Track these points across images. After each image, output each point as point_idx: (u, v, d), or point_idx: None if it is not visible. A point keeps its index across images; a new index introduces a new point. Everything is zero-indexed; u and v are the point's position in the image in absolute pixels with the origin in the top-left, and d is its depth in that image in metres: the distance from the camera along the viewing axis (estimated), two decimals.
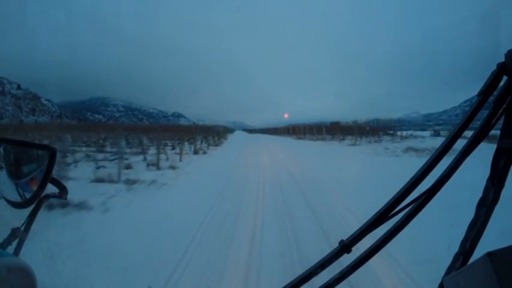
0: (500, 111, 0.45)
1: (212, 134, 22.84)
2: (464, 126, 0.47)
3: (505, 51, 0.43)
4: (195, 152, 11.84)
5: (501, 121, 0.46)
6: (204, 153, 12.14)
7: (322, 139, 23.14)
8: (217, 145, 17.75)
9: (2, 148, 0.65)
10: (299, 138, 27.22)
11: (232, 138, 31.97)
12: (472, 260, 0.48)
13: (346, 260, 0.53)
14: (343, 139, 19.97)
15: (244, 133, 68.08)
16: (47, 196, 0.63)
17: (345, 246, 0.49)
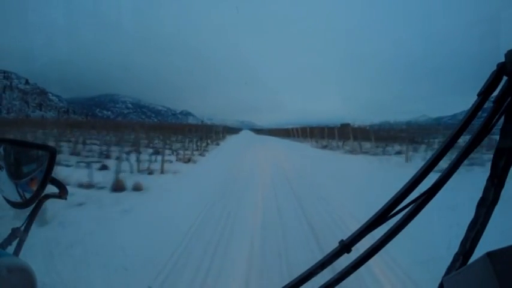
0: (500, 111, 0.45)
1: (203, 135, 15.53)
2: (464, 127, 0.47)
3: (505, 52, 0.43)
4: (114, 189, 5.38)
5: (501, 121, 0.46)
6: (137, 189, 5.46)
7: (364, 151, 13.84)
8: (187, 161, 9.66)
9: (2, 148, 0.65)
10: (323, 147, 17.37)
11: (231, 140, 24.29)
12: (472, 260, 0.48)
13: (346, 260, 0.53)
14: (398, 153, 12.26)
15: (251, 133, 61.71)
16: (47, 196, 0.63)
17: (345, 246, 0.49)
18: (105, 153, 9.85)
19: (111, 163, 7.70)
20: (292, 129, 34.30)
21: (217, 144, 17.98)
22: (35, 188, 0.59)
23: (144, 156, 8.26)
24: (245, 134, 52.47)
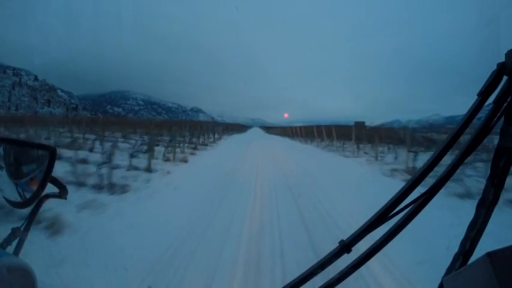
0: (500, 111, 0.45)
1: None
2: (464, 127, 0.47)
3: (505, 51, 0.43)
4: None
5: (501, 121, 0.46)
6: None
7: None
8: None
9: (2, 148, 0.65)
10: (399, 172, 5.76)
11: (231, 141, 18.80)
12: (472, 260, 0.48)
13: (346, 260, 0.53)
14: None
15: (260, 132, 52.32)
16: (47, 196, 0.63)
17: (345, 246, 0.49)
18: None
19: None
20: (318, 128, 20.16)
21: (185, 161, 7.88)
22: (34, 187, 0.58)
23: None
24: (252, 133, 42.72)
